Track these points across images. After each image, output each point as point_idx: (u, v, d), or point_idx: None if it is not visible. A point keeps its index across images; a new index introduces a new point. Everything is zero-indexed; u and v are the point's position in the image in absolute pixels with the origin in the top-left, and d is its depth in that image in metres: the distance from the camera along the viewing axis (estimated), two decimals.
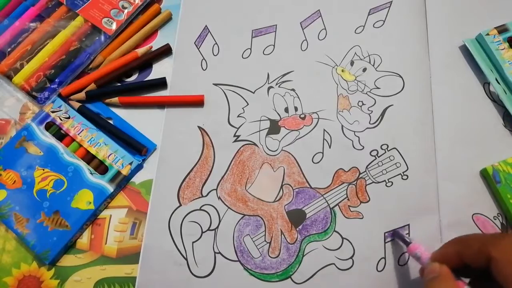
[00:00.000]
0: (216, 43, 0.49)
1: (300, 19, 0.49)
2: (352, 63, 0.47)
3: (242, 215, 0.42)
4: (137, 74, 0.48)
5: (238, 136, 0.44)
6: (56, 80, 0.47)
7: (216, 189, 0.43)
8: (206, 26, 0.49)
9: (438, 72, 0.46)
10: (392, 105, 0.45)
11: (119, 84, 0.48)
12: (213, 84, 0.47)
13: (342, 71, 0.47)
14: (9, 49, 0.47)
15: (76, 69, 0.47)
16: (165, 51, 0.48)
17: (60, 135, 0.45)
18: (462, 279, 0.30)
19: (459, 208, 0.41)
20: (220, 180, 0.43)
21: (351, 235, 0.41)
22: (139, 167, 0.44)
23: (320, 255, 0.40)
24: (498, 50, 0.45)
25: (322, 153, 0.43)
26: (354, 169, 0.43)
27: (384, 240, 0.40)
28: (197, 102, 0.46)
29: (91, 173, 0.43)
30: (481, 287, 0.31)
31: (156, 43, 0.50)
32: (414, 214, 0.41)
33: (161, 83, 0.47)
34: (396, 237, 0.40)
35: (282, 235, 0.41)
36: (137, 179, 0.44)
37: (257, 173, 0.43)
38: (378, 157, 0.43)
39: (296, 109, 0.45)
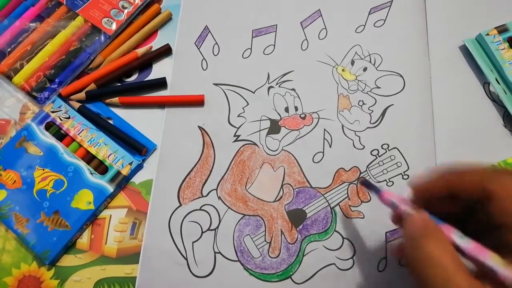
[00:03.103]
0: (216, 43, 0.49)
1: (300, 19, 0.49)
2: (352, 62, 0.47)
3: (242, 215, 0.42)
4: (137, 74, 0.48)
5: (238, 136, 0.44)
6: (56, 80, 0.47)
7: (216, 189, 0.43)
8: (206, 26, 0.49)
9: (438, 72, 0.46)
10: (392, 104, 0.45)
11: (119, 84, 0.48)
12: (213, 84, 0.47)
13: (343, 70, 0.47)
14: (9, 49, 0.47)
15: (76, 69, 0.47)
16: (165, 51, 0.48)
17: (60, 135, 0.45)
18: (445, 223, 0.28)
19: None
20: (220, 180, 0.43)
21: (352, 235, 0.41)
22: (139, 167, 0.44)
23: (320, 255, 0.40)
24: (498, 50, 0.45)
25: (323, 152, 0.43)
26: (354, 168, 0.43)
27: (385, 240, 0.40)
28: (197, 102, 0.46)
29: (91, 173, 0.42)
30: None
31: (156, 43, 0.50)
32: None
33: (161, 83, 0.47)
34: (365, 185, 0.36)
35: (282, 235, 0.41)
36: (137, 179, 0.44)
37: (257, 173, 0.43)
38: (379, 156, 0.43)
39: (296, 108, 0.45)
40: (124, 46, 0.48)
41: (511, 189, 0.26)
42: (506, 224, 0.26)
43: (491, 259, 0.24)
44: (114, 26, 0.48)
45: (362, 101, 0.45)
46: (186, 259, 0.40)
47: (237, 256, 0.40)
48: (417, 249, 0.26)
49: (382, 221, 0.41)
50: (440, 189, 0.29)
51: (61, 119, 0.45)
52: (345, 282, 0.39)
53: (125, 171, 0.43)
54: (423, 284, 0.26)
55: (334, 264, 0.40)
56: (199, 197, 0.42)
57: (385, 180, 0.42)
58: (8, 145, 0.44)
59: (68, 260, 0.41)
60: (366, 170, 0.43)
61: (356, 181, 0.42)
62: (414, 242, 0.27)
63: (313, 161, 0.43)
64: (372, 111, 0.45)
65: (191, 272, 0.40)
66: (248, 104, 0.46)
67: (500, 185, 0.27)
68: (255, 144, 0.44)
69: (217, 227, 0.41)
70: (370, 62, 0.47)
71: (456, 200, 0.29)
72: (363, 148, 0.43)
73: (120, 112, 0.46)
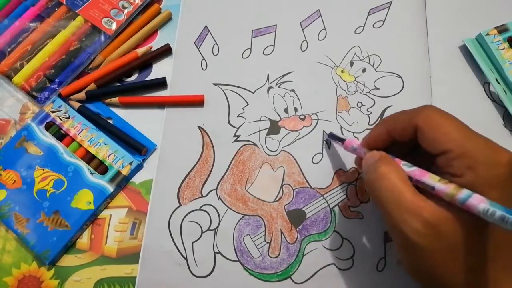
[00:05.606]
0: (216, 43, 0.49)
1: (300, 19, 0.49)
2: (351, 63, 0.47)
3: (242, 215, 0.42)
4: (137, 74, 0.48)
5: (238, 136, 0.44)
6: (56, 80, 0.47)
7: (216, 189, 0.43)
8: (206, 26, 0.49)
9: (438, 72, 0.46)
10: (391, 105, 0.45)
11: (119, 84, 0.48)
12: (213, 84, 0.47)
13: (342, 71, 0.47)
14: (9, 49, 0.47)
15: (76, 69, 0.47)
16: (165, 51, 0.48)
17: (60, 135, 0.45)
18: (395, 157, 0.32)
19: None
20: (220, 180, 0.43)
21: (351, 235, 0.41)
22: (139, 167, 0.44)
23: (320, 255, 0.40)
24: (498, 50, 0.45)
25: (322, 153, 0.43)
26: (353, 169, 0.43)
27: (384, 240, 0.40)
28: (197, 102, 0.46)
29: (91, 173, 0.43)
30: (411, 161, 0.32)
31: (156, 43, 0.50)
32: None
33: (161, 83, 0.47)
34: (332, 138, 0.42)
35: (282, 235, 0.41)
36: (137, 179, 0.44)
37: (257, 173, 0.43)
38: None
39: (296, 110, 0.45)
40: (124, 46, 0.48)
41: (431, 120, 0.29)
42: (434, 152, 0.29)
43: (430, 179, 0.28)
44: (114, 26, 0.49)
45: (361, 102, 0.45)
46: (186, 259, 0.40)
47: (237, 256, 0.40)
48: (373, 172, 0.30)
49: (380, 221, 0.41)
50: (383, 138, 0.33)
51: (61, 119, 0.45)
52: (344, 282, 0.39)
53: (125, 171, 0.43)
54: (378, 200, 0.29)
55: (333, 264, 0.40)
56: (199, 197, 0.42)
57: None
58: (8, 145, 0.44)
59: (68, 260, 0.41)
60: None
61: (355, 182, 0.42)
62: (370, 168, 0.31)
63: (312, 162, 0.43)
64: (371, 112, 0.45)
65: (191, 272, 0.40)
66: (247, 104, 0.46)
67: (422, 118, 0.30)
68: (255, 144, 0.44)
69: (217, 227, 0.41)
70: (369, 63, 0.47)
71: (399, 143, 0.33)
72: None
73: (120, 112, 0.47)
